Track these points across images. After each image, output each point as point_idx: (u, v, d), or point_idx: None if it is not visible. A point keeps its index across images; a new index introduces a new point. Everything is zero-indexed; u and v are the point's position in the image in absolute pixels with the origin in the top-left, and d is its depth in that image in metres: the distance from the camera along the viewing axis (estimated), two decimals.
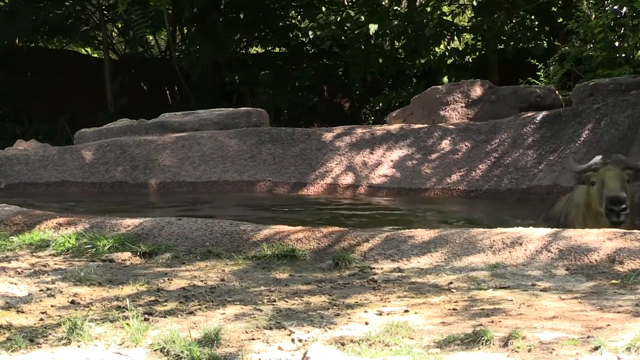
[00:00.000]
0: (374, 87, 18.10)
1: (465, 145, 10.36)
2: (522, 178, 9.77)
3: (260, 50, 20.26)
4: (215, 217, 6.95)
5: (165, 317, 4.25)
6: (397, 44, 17.24)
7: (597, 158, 7.46)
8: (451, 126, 10.73)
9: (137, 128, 11.39)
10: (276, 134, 10.97)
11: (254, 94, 17.73)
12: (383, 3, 17.25)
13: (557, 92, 11.26)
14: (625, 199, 6.95)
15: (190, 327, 4.02)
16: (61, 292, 4.76)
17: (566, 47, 12.19)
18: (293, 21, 19.24)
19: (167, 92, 18.70)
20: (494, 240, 5.34)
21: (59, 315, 4.29)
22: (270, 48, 19.54)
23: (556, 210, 7.95)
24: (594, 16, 11.49)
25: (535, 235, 5.35)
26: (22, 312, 4.37)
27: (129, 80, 18.71)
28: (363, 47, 17.25)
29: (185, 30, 19.36)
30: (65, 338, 3.90)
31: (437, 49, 17.00)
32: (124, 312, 4.27)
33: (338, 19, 16.95)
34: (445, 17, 16.62)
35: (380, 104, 16.86)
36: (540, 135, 9.90)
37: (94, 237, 5.87)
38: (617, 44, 11.56)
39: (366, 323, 4.11)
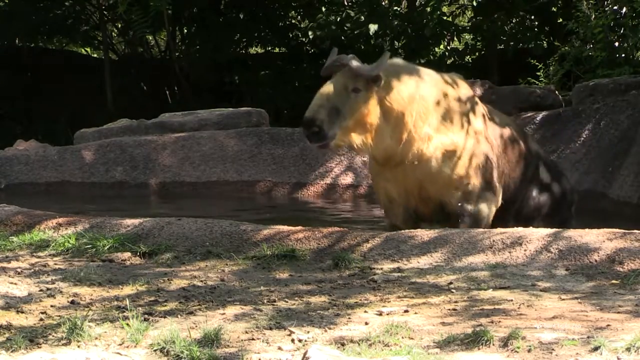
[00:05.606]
0: None
1: None
2: None
3: (260, 50, 20.24)
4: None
5: (165, 317, 4.25)
6: (397, 44, 17.22)
7: (334, 54, 6.29)
8: None
9: (137, 128, 11.38)
10: (276, 134, 10.97)
11: (254, 94, 17.71)
12: (383, 3, 17.24)
13: (557, 92, 11.25)
14: (314, 121, 5.86)
15: (190, 327, 4.03)
16: (61, 292, 4.76)
17: (566, 47, 12.18)
18: (293, 21, 19.22)
19: (167, 92, 18.68)
20: (494, 241, 5.35)
21: (59, 315, 4.29)
22: (270, 48, 19.52)
23: None
24: (593, 16, 11.48)
25: (535, 235, 5.35)
26: (22, 312, 4.37)
27: (129, 80, 18.68)
28: (363, 47, 17.23)
29: (185, 30, 19.35)
30: (65, 338, 3.91)
31: (437, 49, 16.98)
32: (124, 312, 4.27)
33: (338, 19, 16.94)
34: (445, 18, 16.62)
35: None
36: (540, 136, 9.89)
37: (93, 237, 5.87)
38: (617, 44, 11.55)
39: (366, 323, 4.11)
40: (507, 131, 6.64)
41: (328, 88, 6.01)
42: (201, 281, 5.00)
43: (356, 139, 6.03)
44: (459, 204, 6.25)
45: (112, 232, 5.99)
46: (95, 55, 21.21)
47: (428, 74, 6.40)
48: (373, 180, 6.68)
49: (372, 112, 6.03)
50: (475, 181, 6.26)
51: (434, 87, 6.27)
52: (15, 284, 4.92)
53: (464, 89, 6.49)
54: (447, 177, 6.16)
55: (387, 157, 6.18)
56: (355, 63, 6.03)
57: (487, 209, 6.33)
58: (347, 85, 5.99)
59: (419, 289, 4.77)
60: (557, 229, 5.53)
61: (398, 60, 6.57)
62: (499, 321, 4.10)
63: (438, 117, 6.20)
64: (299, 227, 5.87)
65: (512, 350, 3.69)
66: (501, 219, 6.45)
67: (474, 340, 3.76)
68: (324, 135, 5.90)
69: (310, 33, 17.64)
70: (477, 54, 17.04)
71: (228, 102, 16.64)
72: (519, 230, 5.50)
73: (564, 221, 6.78)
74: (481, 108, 6.52)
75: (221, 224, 5.94)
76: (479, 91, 11.20)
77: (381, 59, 6.08)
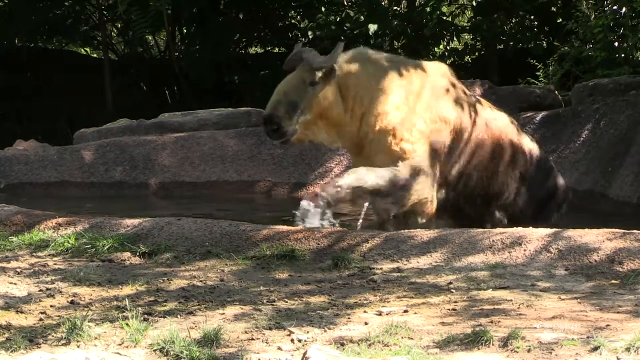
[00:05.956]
0: None
1: None
2: None
3: (260, 50, 20.25)
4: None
5: (165, 317, 4.25)
6: (397, 44, 17.23)
7: (297, 47, 6.30)
8: None
9: (137, 128, 11.38)
10: None
11: (254, 94, 17.72)
12: (383, 3, 17.24)
13: (557, 92, 11.25)
14: (272, 118, 5.88)
15: (190, 328, 4.03)
16: (61, 292, 4.76)
17: (566, 48, 12.18)
18: (293, 21, 19.23)
19: (167, 92, 18.68)
20: (493, 241, 5.35)
21: (59, 316, 4.29)
22: (269, 48, 19.53)
23: None
24: (593, 16, 11.48)
25: (535, 235, 5.36)
26: (22, 313, 4.38)
27: (129, 80, 18.69)
28: None
29: (185, 31, 19.35)
30: (65, 338, 3.91)
31: (437, 49, 16.98)
32: (124, 312, 4.27)
33: (338, 19, 16.94)
34: (444, 18, 16.62)
35: None
36: (540, 136, 9.88)
37: (93, 238, 5.87)
38: (617, 44, 11.55)
39: (366, 323, 4.11)
40: (495, 127, 6.65)
41: (286, 83, 6.03)
42: (201, 281, 5.00)
43: (318, 131, 6.10)
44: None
45: (112, 232, 5.99)
46: (95, 55, 21.22)
47: (391, 59, 6.41)
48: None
49: (331, 104, 6.06)
50: (420, 161, 6.21)
51: (397, 72, 6.25)
52: (15, 284, 4.92)
53: (439, 76, 6.53)
54: (392, 148, 6.15)
55: (354, 144, 6.22)
56: (310, 56, 6.02)
57: (420, 189, 6.27)
58: (304, 79, 6.00)
59: (418, 289, 4.77)
60: (557, 229, 5.54)
61: (359, 49, 6.52)
62: (499, 321, 4.10)
63: (397, 98, 6.19)
64: (299, 228, 5.88)
65: (512, 351, 3.69)
66: (487, 212, 6.50)
67: (474, 340, 3.76)
68: (283, 132, 5.94)
69: (310, 33, 17.63)
70: (477, 54, 17.04)
71: (228, 102, 16.66)
72: (519, 231, 5.50)
73: (552, 218, 6.81)
74: (457, 95, 6.53)
75: (221, 224, 5.94)
76: (479, 91, 11.20)
77: (335, 50, 6.08)
